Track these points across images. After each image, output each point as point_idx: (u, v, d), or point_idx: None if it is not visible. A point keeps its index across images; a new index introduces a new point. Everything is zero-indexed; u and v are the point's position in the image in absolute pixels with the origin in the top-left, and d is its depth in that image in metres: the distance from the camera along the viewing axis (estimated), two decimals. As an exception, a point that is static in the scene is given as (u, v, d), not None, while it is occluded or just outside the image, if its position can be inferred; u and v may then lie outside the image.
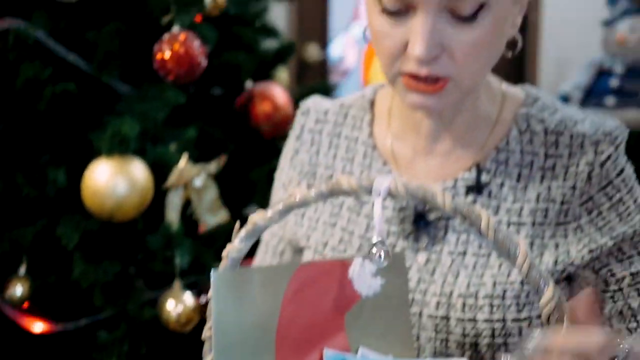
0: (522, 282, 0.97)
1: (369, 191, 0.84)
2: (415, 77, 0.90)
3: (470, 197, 0.99)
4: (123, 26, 1.53)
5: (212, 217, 1.63)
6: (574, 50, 3.09)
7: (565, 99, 2.71)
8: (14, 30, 1.46)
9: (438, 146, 1.02)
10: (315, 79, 3.31)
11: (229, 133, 1.73)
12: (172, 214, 1.56)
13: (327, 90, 1.91)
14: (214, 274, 0.85)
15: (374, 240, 0.83)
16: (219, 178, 1.66)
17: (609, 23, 2.71)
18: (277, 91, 1.74)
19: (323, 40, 3.47)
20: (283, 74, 1.89)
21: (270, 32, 1.88)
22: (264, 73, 1.82)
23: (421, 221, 1.00)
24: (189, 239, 1.51)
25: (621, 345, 0.76)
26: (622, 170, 0.97)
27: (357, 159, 1.06)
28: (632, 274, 0.96)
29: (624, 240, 0.96)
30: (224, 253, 0.87)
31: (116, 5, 1.55)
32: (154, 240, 1.48)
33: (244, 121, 1.74)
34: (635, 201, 0.97)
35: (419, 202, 0.86)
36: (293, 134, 1.13)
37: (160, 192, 1.55)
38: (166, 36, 1.51)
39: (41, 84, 1.46)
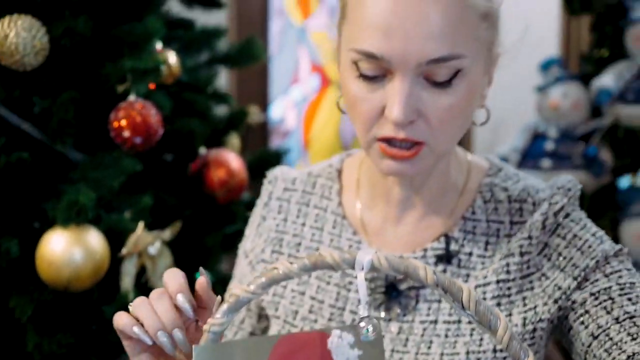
0: (494, 350, 0.99)
1: (352, 265, 0.86)
2: (390, 142, 0.92)
3: (440, 267, 1.01)
4: (78, 95, 1.52)
5: (166, 284, 1.61)
6: (509, 114, 3.20)
7: (503, 160, 2.79)
8: (-33, 99, 1.44)
9: (407, 214, 1.04)
10: (256, 141, 3.34)
11: (182, 199, 1.73)
12: (127, 283, 1.54)
13: (277, 155, 1.93)
14: (195, 349, 0.84)
15: (362, 314, 0.84)
16: (173, 244, 1.65)
17: (542, 89, 2.82)
18: (231, 157, 1.75)
19: (263, 103, 3.51)
20: (234, 139, 1.90)
21: (222, 98, 1.90)
22: (217, 139, 1.82)
23: (392, 291, 1.02)
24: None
25: None
26: (568, 214, 1.00)
27: (327, 228, 1.08)
28: (592, 294, 0.96)
29: (586, 272, 0.97)
30: (205, 327, 0.87)
31: (71, 73, 1.54)
32: (110, 310, 1.45)
33: (198, 187, 1.74)
34: (593, 234, 0.99)
35: (398, 274, 0.88)
36: (260, 201, 1.14)
37: (114, 260, 1.53)
38: (123, 104, 1.51)
39: (-6, 152, 1.44)
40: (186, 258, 1.68)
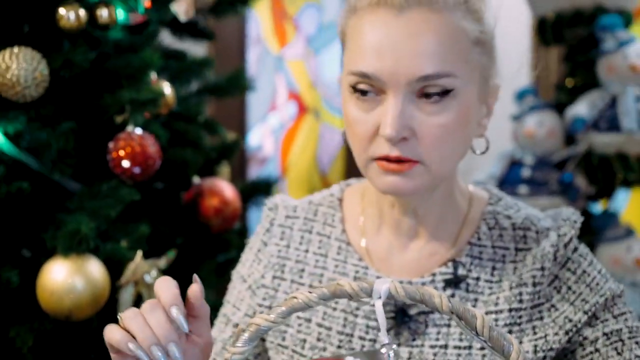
0: None
1: (370, 294, 0.89)
2: (387, 159, 0.96)
3: (449, 291, 1.04)
4: (76, 125, 1.54)
5: (162, 313, 1.62)
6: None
7: (481, 187, 2.85)
8: (-33, 130, 1.45)
9: (413, 242, 1.07)
10: (234, 168, 3.36)
11: (176, 228, 1.75)
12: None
13: (268, 184, 1.96)
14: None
15: (383, 340, 0.87)
16: (167, 272, 1.66)
17: (517, 118, 2.89)
18: (225, 186, 1.78)
19: (241, 130, 3.54)
20: (225, 168, 1.93)
21: (213, 128, 1.93)
22: (209, 168, 1.85)
23: (402, 316, 1.05)
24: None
25: None
26: (576, 248, 1.05)
27: (331, 254, 1.10)
28: (605, 334, 1.00)
29: (596, 309, 1.01)
30: (227, 355, 0.89)
31: (70, 104, 1.57)
32: (111, 339, 1.46)
33: (192, 216, 1.76)
34: (599, 272, 1.04)
35: (415, 302, 0.91)
36: (261, 228, 1.16)
37: (112, 289, 1.54)
38: (122, 135, 1.54)
39: (-6, 183, 1.45)
40: (181, 286, 1.70)
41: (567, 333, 1.01)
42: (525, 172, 2.79)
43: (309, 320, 1.07)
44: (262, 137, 3.71)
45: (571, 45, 2.89)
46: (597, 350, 1.00)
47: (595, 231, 2.79)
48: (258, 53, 3.71)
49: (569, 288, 1.03)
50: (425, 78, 0.93)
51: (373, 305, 1.00)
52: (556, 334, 1.01)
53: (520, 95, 2.90)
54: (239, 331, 0.90)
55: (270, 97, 3.72)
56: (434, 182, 1.00)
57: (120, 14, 1.63)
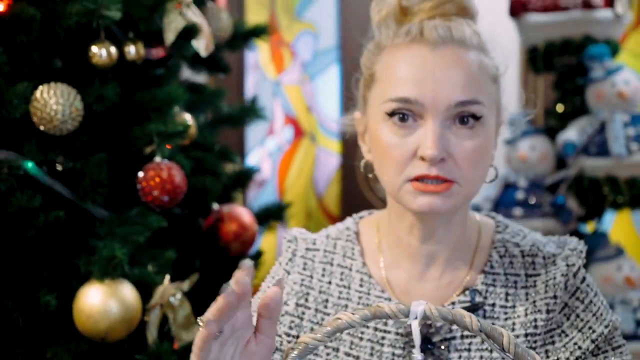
0: None
1: (407, 314, 0.98)
2: (423, 180, 1.04)
3: None
4: (108, 156, 1.63)
5: (186, 333, 1.71)
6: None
7: (477, 210, 2.95)
8: (6, 162, 1.54)
9: (430, 271, 1.13)
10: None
11: (197, 252, 1.84)
12: (154, 332, 1.64)
13: (280, 209, 2.06)
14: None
15: (417, 358, 0.96)
16: (189, 295, 1.75)
17: (511, 142, 3.01)
18: (243, 212, 1.87)
19: (240, 154, 3.63)
20: (239, 194, 2.02)
21: (229, 156, 2.02)
22: (226, 195, 1.95)
23: (427, 344, 1.13)
24: (174, 356, 1.59)
25: None
26: (584, 278, 1.12)
27: (354, 286, 1.15)
28: None
29: (601, 341, 1.10)
30: None
31: (102, 137, 1.66)
32: (143, 359, 1.55)
33: (212, 240, 1.85)
34: (602, 302, 1.12)
35: (448, 322, 1.01)
36: (283, 258, 1.19)
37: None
38: (151, 165, 1.63)
39: (32, 212, 1.53)
40: (202, 308, 1.78)
41: (577, 359, 1.10)
42: (519, 195, 2.90)
43: (337, 350, 1.13)
44: (260, 160, 3.81)
45: (561, 72, 3.02)
46: None
47: (586, 252, 2.90)
48: (256, 79, 3.82)
49: (578, 316, 1.11)
50: (462, 104, 1.04)
51: (409, 326, 1.08)
52: (568, 358, 1.09)
53: (513, 121, 3.02)
54: (288, 350, 0.99)
55: (268, 122, 3.82)
56: (465, 202, 1.09)
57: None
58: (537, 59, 2.98)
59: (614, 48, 2.92)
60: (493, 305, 1.11)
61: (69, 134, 1.59)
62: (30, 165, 1.58)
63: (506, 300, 1.11)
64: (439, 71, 1.05)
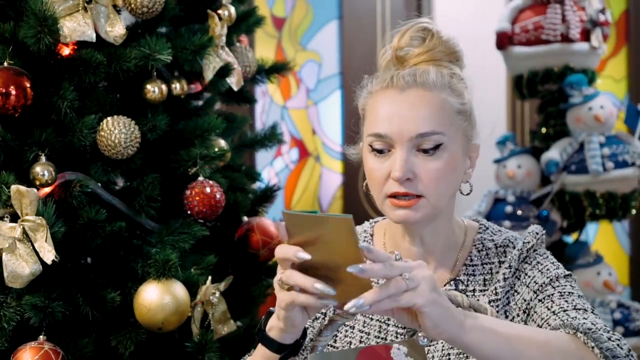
0: None
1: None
2: (397, 197, 1.30)
3: None
4: (159, 177, 1.94)
5: (222, 327, 2.00)
6: (473, 183, 3.70)
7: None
8: (77, 181, 1.84)
9: None
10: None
11: (231, 258, 2.13)
12: (197, 325, 1.93)
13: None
14: (310, 358, 1.25)
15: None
16: (225, 294, 2.04)
17: (499, 161, 3.32)
18: (269, 223, 2.18)
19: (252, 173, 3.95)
20: (265, 209, 2.33)
21: (254, 176, 2.33)
22: (253, 209, 2.25)
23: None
24: (216, 343, 1.89)
25: None
26: (536, 249, 1.37)
27: None
28: (540, 300, 1.28)
29: (543, 286, 1.31)
30: (314, 343, 1.26)
31: (154, 160, 1.97)
32: (192, 345, 1.85)
33: (243, 248, 2.15)
34: (552, 262, 1.36)
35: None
36: None
37: (186, 308, 1.92)
38: (196, 183, 1.94)
39: (99, 223, 1.84)
40: (236, 305, 2.09)
41: (524, 312, 1.31)
42: (508, 209, 3.20)
43: (352, 328, 1.40)
44: (269, 179, 4.12)
45: (544, 98, 3.34)
46: (535, 312, 1.30)
47: (568, 259, 3.20)
48: (264, 105, 4.13)
49: (526, 274, 1.33)
50: (422, 135, 1.30)
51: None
52: (518, 314, 1.33)
53: (502, 142, 3.33)
54: (321, 326, 1.28)
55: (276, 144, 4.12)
56: (434, 212, 1.33)
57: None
58: (522, 86, 3.30)
59: (590, 76, 3.24)
60: (473, 290, 1.37)
61: (127, 158, 1.90)
62: (95, 184, 1.88)
63: (484, 284, 1.37)
64: (404, 109, 1.31)
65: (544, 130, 3.31)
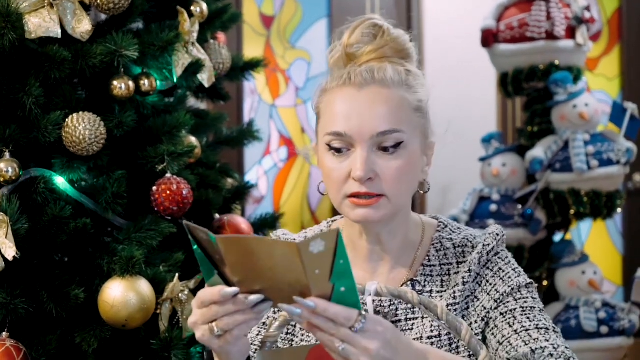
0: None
1: (363, 292, 1.26)
2: (358, 196, 1.28)
3: None
4: (126, 173, 1.93)
5: (192, 324, 1.99)
6: (457, 181, 3.69)
7: (456, 220, 3.25)
8: (42, 178, 1.84)
9: (380, 268, 1.37)
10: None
11: (202, 256, 2.12)
12: (165, 323, 1.92)
13: (274, 219, 2.35)
14: (258, 355, 1.23)
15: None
16: (195, 291, 2.03)
17: (484, 159, 3.30)
18: (241, 221, 2.16)
19: (240, 172, 3.94)
20: (237, 206, 2.32)
21: (228, 173, 2.32)
22: (226, 207, 2.24)
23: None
24: (182, 342, 1.88)
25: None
26: (497, 253, 1.34)
27: None
28: (502, 313, 1.27)
29: (504, 296, 1.30)
30: (263, 339, 1.25)
31: (121, 156, 1.96)
32: (157, 343, 1.84)
33: (214, 246, 2.14)
34: (514, 269, 1.33)
35: (395, 298, 1.28)
36: None
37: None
38: (163, 180, 1.93)
39: (63, 220, 1.83)
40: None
41: (483, 319, 1.28)
42: (493, 207, 3.19)
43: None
44: (257, 178, 4.11)
45: (530, 96, 3.32)
46: (496, 326, 1.27)
47: (554, 258, 3.19)
48: (253, 103, 4.13)
49: (487, 282, 1.31)
50: (383, 133, 1.27)
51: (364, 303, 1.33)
52: (476, 321, 1.31)
53: (487, 140, 3.32)
54: (271, 321, 1.27)
55: (264, 143, 4.12)
56: (395, 211, 1.31)
57: (157, 83, 2.04)
58: (507, 84, 3.28)
59: (576, 74, 3.22)
60: (430, 291, 1.35)
61: (93, 155, 1.89)
62: (60, 180, 1.88)
63: (441, 286, 1.35)
64: (363, 107, 1.28)
65: (529, 128, 3.29)
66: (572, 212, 3.11)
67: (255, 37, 4.13)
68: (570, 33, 3.18)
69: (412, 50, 1.37)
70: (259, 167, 4.15)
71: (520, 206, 3.20)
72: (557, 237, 3.32)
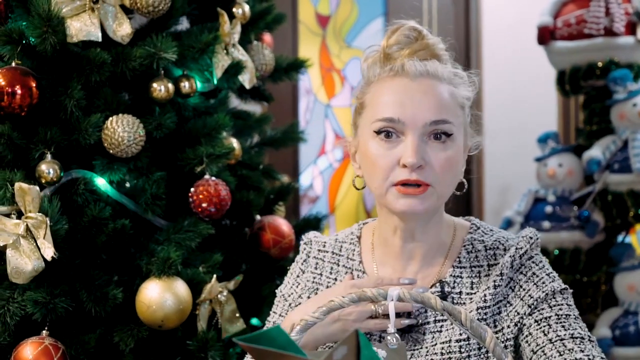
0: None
1: (385, 297, 1.25)
2: (405, 184, 1.28)
3: None
4: (165, 175, 1.94)
5: (231, 326, 2.00)
6: (514, 182, 3.61)
7: (509, 222, 3.17)
8: (82, 179, 1.87)
9: (410, 267, 1.38)
10: (288, 206, 3.75)
11: (242, 256, 2.13)
12: (203, 323, 1.93)
13: (317, 221, 2.34)
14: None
15: (390, 330, 1.22)
16: (235, 293, 2.04)
17: (540, 159, 3.22)
18: (282, 222, 2.16)
19: (294, 172, 3.93)
20: (281, 207, 2.31)
21: (271, 174, 2.32)
22: (268, 208, 2.24)
23: (405, 330, 1.35)
24: (219, 343, 1.88)
25: None
26: (531, 257, 1.33)
27: None
28: (536, 321, 1.27)
29: (539, 302, 1.29)
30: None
31: (160, 158, 1.98)
32: (193, 344, 1.85)
33: (255, 246, 2.14)
34: (548, 274, 1.32)
35: (417, 303, 1.26)
36: (300, 258, 1.47)
37: (192, 305, 1.92)
38: (201, 182, 1.94)
39: (103, 221, 1.85)
40: (246, 304, 2.08)
41: (516, 325, 1.28)
42: (548, 209, 3.11)
43: None
44: (312, 178, 4.11)
45: (589, 94, 3.22)
46: (530, 334, 1.27)
47: (612, 261, 3.09)
48: (308, 103, 4.13)
49: (521, 287, 1.31)
50: (435, 122, 1.30)
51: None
52: (509, 326, 1.29)
53: (543, 139, 3.23)
54: (293, 325, 1.26)
55: (319, 142, 4.12)
56: (438, 205, 1.32)
57: (198, 85, 2.05)
58: (564, 82, 3.19)
59: (636, 71, 3.11)
60: (460, 293, 1.35)
61: (133, 156, 1.91)
62: (101, 182, 1.90)
63: (471, 288, 1.35)
64: (417, 97, 1.31)
65: (587, 127, 3.20)
66: (631, 214, 3.00)
67: (310, 37, 4.13)
68: (631, 29, 3.08)
69: (447, 56, 1.39)
70: (314, 167, 4.14)
71: (576, 208, 3.11)
72: (618, 241, 3.22)
